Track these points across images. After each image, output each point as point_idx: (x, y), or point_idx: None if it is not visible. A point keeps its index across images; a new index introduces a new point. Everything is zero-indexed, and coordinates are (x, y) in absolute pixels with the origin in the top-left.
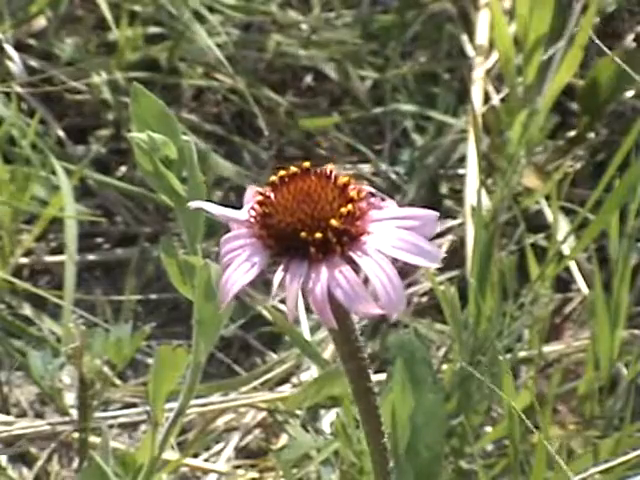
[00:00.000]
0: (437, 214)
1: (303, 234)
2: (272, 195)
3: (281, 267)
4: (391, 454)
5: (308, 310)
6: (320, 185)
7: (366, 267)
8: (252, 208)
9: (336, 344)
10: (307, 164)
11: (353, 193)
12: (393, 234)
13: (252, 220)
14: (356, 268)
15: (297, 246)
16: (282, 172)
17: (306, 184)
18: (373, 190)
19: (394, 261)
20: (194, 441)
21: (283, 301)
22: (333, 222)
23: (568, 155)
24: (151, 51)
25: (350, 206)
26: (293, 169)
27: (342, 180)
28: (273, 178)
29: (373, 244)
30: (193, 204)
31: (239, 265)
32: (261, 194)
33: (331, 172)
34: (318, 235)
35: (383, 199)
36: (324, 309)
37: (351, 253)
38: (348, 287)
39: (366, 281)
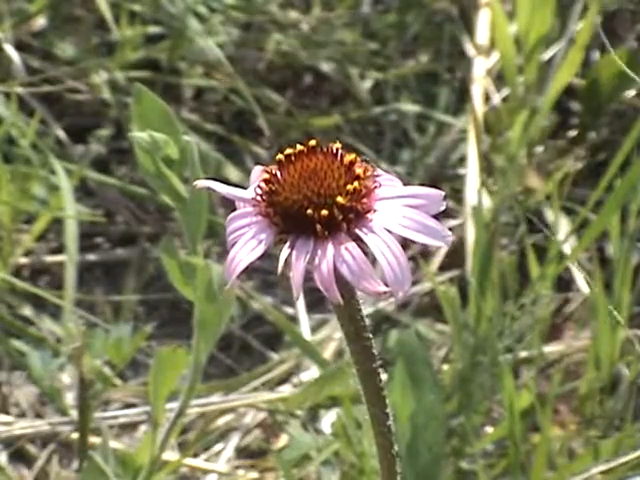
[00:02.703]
0: (443, 193)
1: (309, 211)
2: (278, 173)
3: (287, 244)
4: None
5: (309, 310)
6: (326, 163)
7: (372, 244)
8: (258, 186)
9: (341, 324)
10: (313, 142)
11: (359, 171)
12: (399, 212)
13: (258, 198)
14: (362, 245)
15: (303, 223)
16: (288, 150)
17: (312, 162)
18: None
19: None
20: (194, 441)
21: (284, 301)
22: (339, 199)
23: (568, 155)
24: (151, 51)
25: (356, 183)
26: (299, 147)
27: (348, 158)
28: (279, 156)
29: (379, 222)
30: (199, 183)
31: (245, 243)
32: (267, 172)
33: (337, 150)
34: (324, 212)
35: (389, 178)
36: (330, 285)
37: (357, 230)
38: (354, 264)
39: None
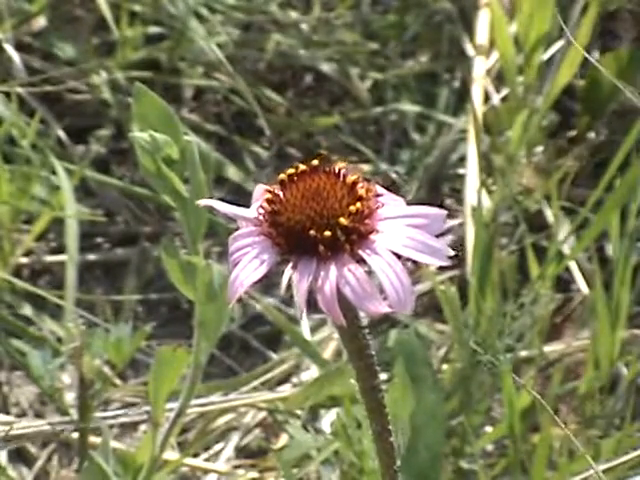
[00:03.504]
0: (445, 212)
1: (312, 232)
2: (281, 193)
3: (290, 265)
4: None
5: (310, 310)
6: (329, 183)
7: (375, 265)
8: (261, 206)
9: (344, 342)
10: (316, 162)
11: (362, 191)
12: (402, 232)
13: (261, 218)
14: (365, 266)
15: (306, 244)
16: (291, 170)
17: (315, 182)
18: (381, 188)
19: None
20: (194, 441)
21: (284, 301)
22: (342, 220)
23: (568, 155)
24: (151, 51)
25: (359, 204)
26: (302, 167)
27: (351, 178)
28: (282, 176)
29: (382, 242)
30: (202, 202)
31: (248, 263)
32: (270, 192)
33: (340, 170)
34: (327, 233)
35: (391, 197)
36: (333, 307)
37: (360, 251)
38: (357, 285)
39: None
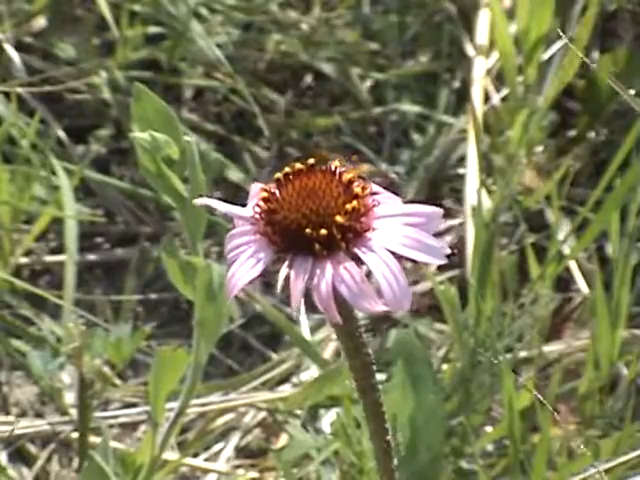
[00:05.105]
0: (442, 211)
1: (308, 230)
2: (277, 191)
3: (286, 263)
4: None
5: (308, 310)
6: (325, 181)
7: (371, 264)
8: (257, 205)
9: (340, 340)
10: (312, 161)
11: (358, 189)
12: (398, 231)
13: (257, 216)
14: (361, 265)
15: (302, 242)
16: (287, 169)
17: (311, 180)
18: (378, 187)
19: (399, 258)
20: (194, 441)
21: (284, 301)
22: (338, 218)
23: (568, 155)
24: (151, 51)
25: (355, 202)
26: (298, 166)
27: (347, 176)
28: (278, 175)
29: (378, 241)
30: (198, 201)
31: (244, 261)
32: (266, 190)
33: (336, 168)
34: (323, 231)
35: (388, 196)
36: (329, 305)
37: (356, 249)
38: (353, 283)
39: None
